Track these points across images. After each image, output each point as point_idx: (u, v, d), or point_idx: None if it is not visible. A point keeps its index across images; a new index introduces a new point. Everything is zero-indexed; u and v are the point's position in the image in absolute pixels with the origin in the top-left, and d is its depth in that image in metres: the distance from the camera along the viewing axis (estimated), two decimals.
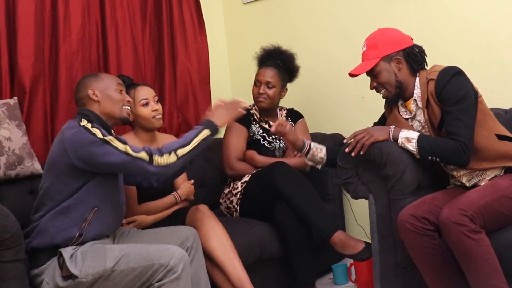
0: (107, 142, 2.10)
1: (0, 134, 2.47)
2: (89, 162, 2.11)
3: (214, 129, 2.27)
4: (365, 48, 2.43)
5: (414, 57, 2.37)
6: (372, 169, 2.40)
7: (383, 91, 2.44)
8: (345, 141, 2.44)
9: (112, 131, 2.29)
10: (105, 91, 2.30)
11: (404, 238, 2.20)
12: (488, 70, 2.83)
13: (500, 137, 2.28)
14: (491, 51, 2.85)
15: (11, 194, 2.50)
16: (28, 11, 2.78)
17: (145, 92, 2.70)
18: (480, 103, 2.29)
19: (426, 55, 2.42)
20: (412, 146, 2.30)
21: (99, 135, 2.10)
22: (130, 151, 2.10)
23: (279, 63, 3.14)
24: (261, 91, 3.07)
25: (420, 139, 2.29)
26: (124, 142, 2.13)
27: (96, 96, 2.29)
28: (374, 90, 2.47)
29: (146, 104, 2.68)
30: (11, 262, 1.97)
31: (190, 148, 2.18)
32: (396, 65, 2.38)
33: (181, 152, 2.16)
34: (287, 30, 3.64)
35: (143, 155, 2.11)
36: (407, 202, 2.29)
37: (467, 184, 2.35)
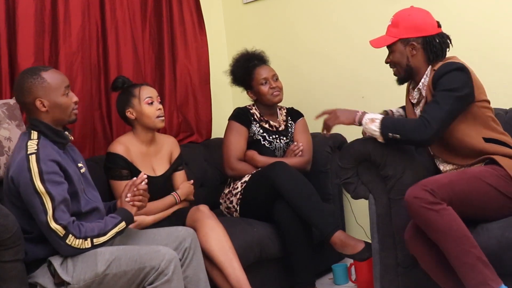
0: (38, 194, 2.01)
1: (0, 134, 2.47)
2: (22, 197, 2.06)
3: (130, 220, 2.23)
4: (390, 23, 2.45)
5: (432, 47, 2.37)
6: (372, 169, 2.40)
7: (394, 69, 2.47)
8: (316, 117, 2.49)
9: (66, 134, 2.23)
10: (53, 100, 2.16)
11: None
12: (488, 70, 2.83)
13: (488, 140, 2.28)
14: (491, 51, 2.85)
15: None
16: (28, 11, 2.78)
17: (150, 91, 2.72)
18: (478, 108, 2.28)
19: (449, 46, 2.41)
20: (375, 126, 2.31)
21: (37, 178, 2.01)
22: (50, 217, 2.01)
23: (263, 62, 3.18)
24: (273, 86, 3.09)
25: (384, 119, 2.33)
26: (53, 200, 2.02)
27: (45, 106, 2.16)
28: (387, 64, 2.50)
29: (151, 103, 2.69)
30: (11, 262, 1.97)
31: (106, 240, 2.12)
32: (410, 50, 2.39)
33: (97, 241, 2.10)
34: (287, 30, 3.64)
35: (59, 229, 2.02)
36: None
37: None
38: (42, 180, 2.02)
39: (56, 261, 2.07)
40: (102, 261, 2.05)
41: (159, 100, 2.76)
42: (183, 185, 2.85)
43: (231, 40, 3.92)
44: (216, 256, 2.46)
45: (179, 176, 2.89)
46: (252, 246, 2.68)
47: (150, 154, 2.79)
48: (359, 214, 3.21)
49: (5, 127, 2.50)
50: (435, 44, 2.37)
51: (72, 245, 2.04)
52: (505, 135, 2.33)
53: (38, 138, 2.14)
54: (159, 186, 2.75)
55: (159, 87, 3.37)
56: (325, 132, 2.46)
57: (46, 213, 2.01)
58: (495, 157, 2.23)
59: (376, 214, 2.43)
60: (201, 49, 3.58)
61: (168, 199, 2.75)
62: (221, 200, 3.08)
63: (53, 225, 2.01)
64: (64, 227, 2.03)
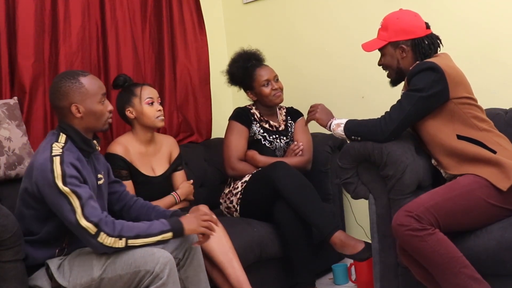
0: (63, 194, 1.97)
1: (0, 134, 2.47)
2: (45, 201, 2.03)
3: (179, 234, 2.12)
4: (380, 26, 2.50)
5: (421, 48, 2.41)
6: (372, 169, 2.40)
7: (386, 71, 2.53)
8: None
9: (94, 143, 2.19)
10: (89, 107, 2.12)
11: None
12: (488, 70, 2.83)
13: (460, 137, 2.29)
14: (491, 51, 2.85)
15: (11, 194, 2.49)
16: (28, 11, 2.78)
17: (151, 92, 2.74)
18: (456, 105, 2.29)
19: (439, 46, 2.45)
20: (340, 130, 2.45)
21: (59, 180, 1.97)
22: (80, 215, 1.97)
23: (261, 62, 3.18)
24: (275, 87, 3.09)
25: (348, 122, 2.44)
26: (81, 198, 1.97)
27: (80, 112, 2.12)
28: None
29: (151, 104, 2.70)
30: (11, 262, 1.97)
31: (144, 243, 2.03)
32: (400, 53, 2.43)
33: (133, 242, 2.02)
34: (287, 30, 3.64)
35: (91, 227, 1.97)
36: (407, 202, 2.29)
37: (444, 176, 2.38)
38: (64, 183, 1.98)
39: (53, 265, 2.06)
40: (98, 265, 2.03)
41: (160, 101, 2.77)
42: (183, 185, 2.85)
43: (231, 40, 3.91)
44: (216, 256, 2.46)
45: (179, 176, 2.89)
46: (252, 246, 2.68)
47: (149, 154, 2.79)
48: (359, 214, 3.21)
49: (5, 127, 2.50)
50: (424, 45, 2.41)
51: (104, 243, 1.98)
52: (487, 132, 2.30)
53: (65, 142, 2.10)
54: (159, 186, 2.76)
55: (159, 87, 3.37)
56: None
57: (74, 212, 1.97)
58: (474, 171, 2.21)
59: (376, 214, 2.43)
60: (201, 49, 3.58)
61: (168, 199, 2.75)
62: (221, 200, 3.08)
63: (84, 223, 1.97)
64: (95, 224, 1.97)
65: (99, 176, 2.24)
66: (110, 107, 2.20)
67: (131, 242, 2.02)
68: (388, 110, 2.38)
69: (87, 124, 2.15)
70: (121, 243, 2.01)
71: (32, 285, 2.08)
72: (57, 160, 2.01)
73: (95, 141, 2.21)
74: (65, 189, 1.97)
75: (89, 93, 2.13)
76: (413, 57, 2.42)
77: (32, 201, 2.07)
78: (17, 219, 2.09)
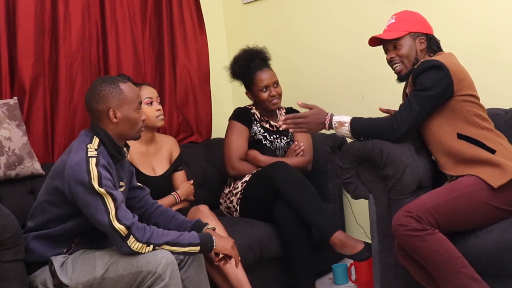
0: (99, 195, 1.99)
1: (0, 134, 2.47)
2: (74, 200, 2.04)
3: (207, 250, 2.16)
4: (393, 21, 2.48)
5: (433, 45, 2.45)
6: (372, 169, 2.40)
7: (398, 65, 2.46)
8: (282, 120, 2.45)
9: (124, 150, 2.21)
10: (126, 113, 2.14)
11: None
12: (488, 70, 2.83)
13: (461, 136, 2.29)
14: (491, 51, 2.85)
15: (11, 194, 2.50)
16: (28, 11, 2.78)
17: (150, 92, 2.73)
18: (458, 102, 2.29)
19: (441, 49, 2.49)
20: (346, 130, 2.38)
21: (95, 181, 1.98)
22: (113, 216, 1.98)
23: (264, 62, 3.15)
24: (273, 93, 3.06)
25: (353, 122, 2.37)
26: (116, 200, 2.00)
27: (116, 117, 2.13)
28: (389, 61, 2.49)
29: (151, 103, 2.70)
30: (11, 262, 1.97)
31: (170, 251, 2.05)
32: (420, 44, 2.44)
33: (159, 249, 2.05)
34: (287, 30, 3.64)
35: (123, 229, 1.98)
36: (407, 202, 2.29)
37: (448, 177, 2.38)
38: (100, 184, 1.99)
39: (57, 262, 2.07)
40: (101, 264, 2.03)
41: (159, 101, 2.76)
42: (183, 185, 2.85)
43: (231, 40, 3.92)
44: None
45: (179, 176, 2.89)
46: (252, 246, 2.68)
47: (150, 153, 2.79)
48: (359, 214, 3.21)
49: (5, 127, 2.50)
50: (435, 43, 2.45)
51: (132, 247, 2.00)
52: (488, 130, 2.30)
53: (98, 146, 2.11)
54: (159, 186, 2.76)
55: (159, 87, 3.37)
56: (286, 126, 2.45)
57: (108, 213, 1.98)
58: (473, 172, 2.21)
59: (376, 214, 2.43)
60: (201, 49, 3.58)
61: (168, 199, 2.75)
62: (221, 200, 3.08)
63: (117, 225, 1.98)
64: (128, 227, 1.99)
65: (121, 183, 2.25)
66: (144, 116, 2.22)
67: (159, 249, 2.05)
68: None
69: (121, 130, 2.16)
70: (148, 249, 2.03)
71: (35, 281, 2.09)
72: (93, 162, 2.02)
73: (125, 149, 2.22)
74: (101, 190, 1.99)
75: (128, 99, 2.15)
76: (427, 51, 2.44)
77: (59, 200, 2.08)
78: (38, 211, 2.13)
